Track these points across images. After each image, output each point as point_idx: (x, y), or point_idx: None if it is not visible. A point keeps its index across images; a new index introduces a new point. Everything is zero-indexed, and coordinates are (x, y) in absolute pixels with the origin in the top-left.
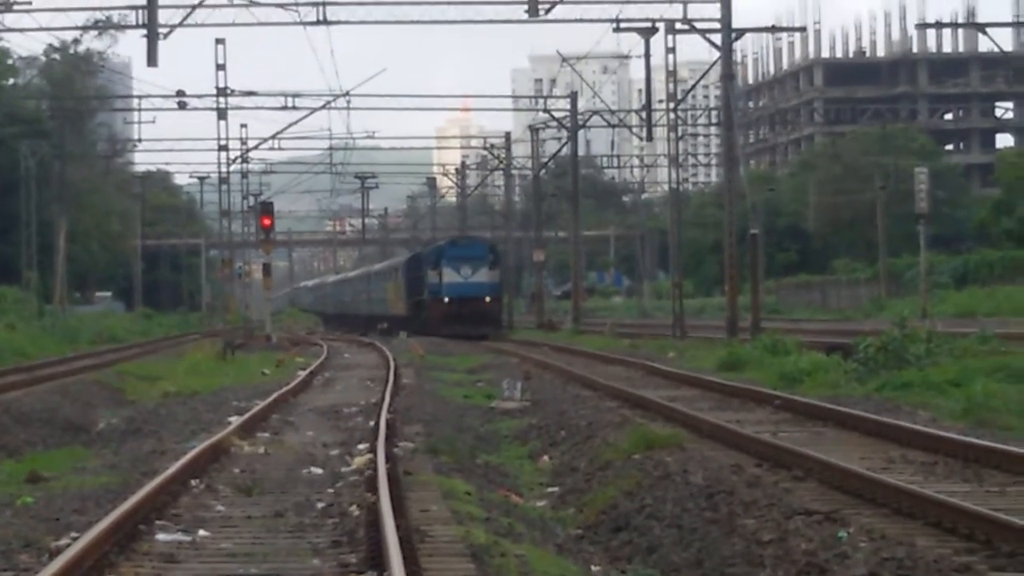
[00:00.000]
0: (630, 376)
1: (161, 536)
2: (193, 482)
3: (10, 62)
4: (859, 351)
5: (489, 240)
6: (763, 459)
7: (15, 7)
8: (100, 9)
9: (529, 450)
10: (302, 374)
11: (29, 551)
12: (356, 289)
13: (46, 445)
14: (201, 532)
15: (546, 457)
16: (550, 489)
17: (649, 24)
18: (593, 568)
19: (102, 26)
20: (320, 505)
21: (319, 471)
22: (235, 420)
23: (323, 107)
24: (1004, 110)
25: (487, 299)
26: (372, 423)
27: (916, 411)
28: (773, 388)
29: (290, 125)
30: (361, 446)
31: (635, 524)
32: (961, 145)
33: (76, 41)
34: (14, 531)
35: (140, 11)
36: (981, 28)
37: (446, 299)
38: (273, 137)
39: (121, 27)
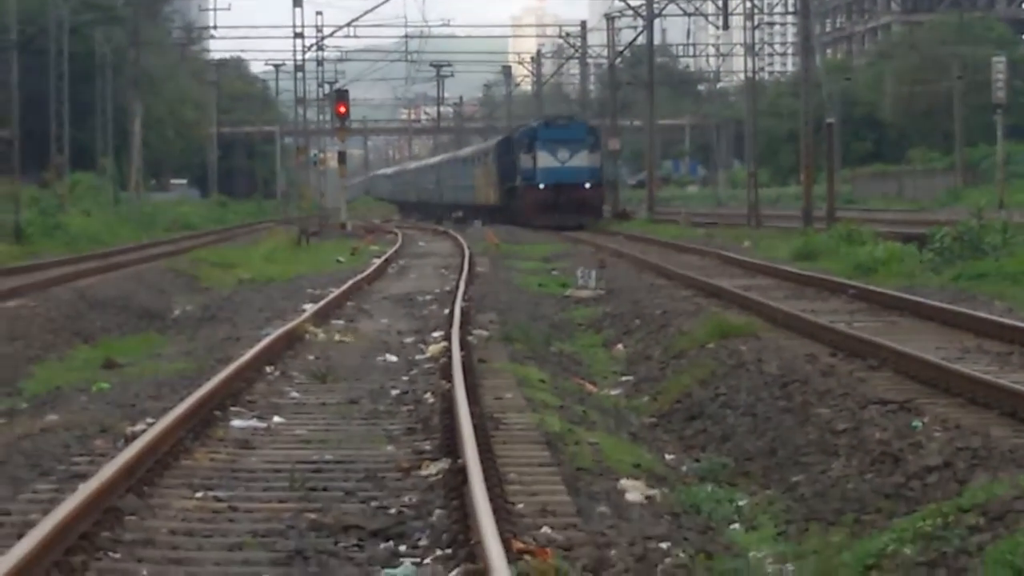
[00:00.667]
0: (704, 265)
1: (236, 422)
2: (268, 369)
3: None
4: (935, 241)
5: (587, 120)
6: (838, 348)
7: None
8: None
9: (603, 338)
10: (377, 262)
11: (105, 436)
12: (442, 176)
13: (122, 332)
14: (276, 419)
15: (620, 346)
16: (624, 378)
17: None
18: (667, 456)
19: None
20: (395, 392)
21: (394, 358)
22: (310, 307)
23: None
24: None
25: (587, 185)
26: (446, 311)
27: (992, 301)
28: (848, 278)
29: (366, 12)
30: (436, 334)
31: (709, 413)
32: None
33: None
34: (90, 416)
35: None
36: None
37: (541, 185)
38: (349, 24)
39: None
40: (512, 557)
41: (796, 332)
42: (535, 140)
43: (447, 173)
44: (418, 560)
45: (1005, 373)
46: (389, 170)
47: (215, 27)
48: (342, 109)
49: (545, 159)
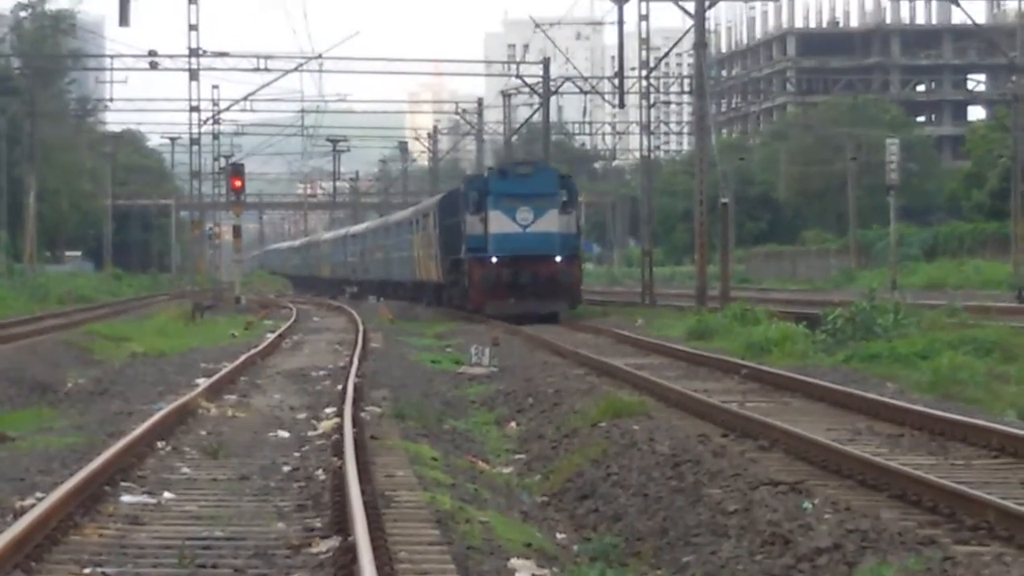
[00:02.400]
0: (598, 343)
1: (126, 498)
2: (159, 444)
3: None
4: (828, 322)
5: (556, 168)
6: (730, 428)
7: None
8: None
9: (496, 416)
10: (271, 337)
11: None
12: (368, 247)
13: (13, 405)
14: (166, 494)
15: (513, 423)
16: (517, 456)
17: None
18: (558, 535)
19: None
20: (286, 469)
21: (286, 434)
22: (203, 382)
23: (295, 69)
24: (976, 82)
25: (558, 258)
26: (339, 387)
27: (884, 383)
28: (741, 357)
29: (262, 87)
30: (328, 410)
31: (601, 492)
32: (933, 117)
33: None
34: None
35: None
36: (954, 0)
37: (494, 259)
38: (245, 99)
39: None
40: None
41: (688, 412)
42: (486, 195)
43: (376, 243)
44: None
45: (895, 455)
46: (296, 242)
47: (111, 99)
48: (237, 183)
49: (500, 222)
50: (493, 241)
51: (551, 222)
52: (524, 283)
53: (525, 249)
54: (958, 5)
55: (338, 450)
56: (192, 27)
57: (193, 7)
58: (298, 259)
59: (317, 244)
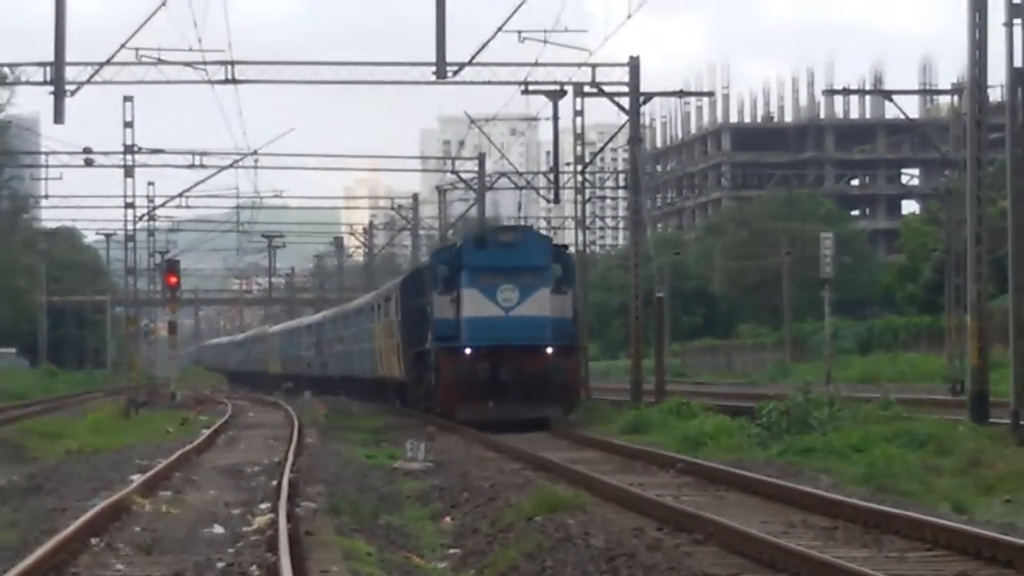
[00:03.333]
0: (533, 438)
1: None
2: (93, 541)
3: None
4: (762, 415)
5: (548, 236)
6: (665, 523)
7: None
8: (5, 65)
9: (431, 511)
10: (206, 432)
11: None
12: (324, 339)
13: None
14: None
15: (448, 518)
16: (452, 550)
17: (557, 87)
18: None
19: (6, 82)
20: (220, 565)
21: (220, 530)
22: (137, 478)
23: (231, 166)
24: (909, 176)
25: (548, 349)
26: (274, 482)
27: (818, 476)
28: (677, 451)
29: (197, 183)
30: (263, 505)
31: None
32: (867, 211)
33: None
34: None
35: (47, 67)
36: (887, 95)
37: (468, 350)
38: (180, 195)
39: (26, 83)
40: None
41: (624, 506)
42: (459, 270)
43: (335, 334)
44: None
45: (829, 548)
46: (226, 339)
47: (46, 196)
48: (172, 280)
49: (476, 303)
50: (467, 327)
51: (541, 304)
52: (506, 381)
53: (508, 338)
54: (891, 100)
55: (273, 546)
56: (127, 124)
57: (128, 104)
58: (241, 354)
59: (264, 337)
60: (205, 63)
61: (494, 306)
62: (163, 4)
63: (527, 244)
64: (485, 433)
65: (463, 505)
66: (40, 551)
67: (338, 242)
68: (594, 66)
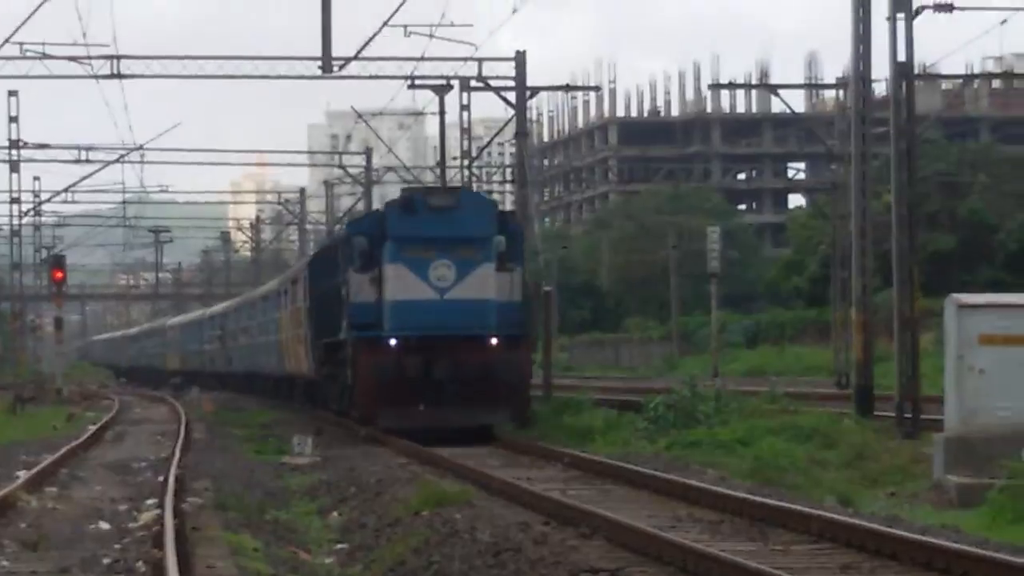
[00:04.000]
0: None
1: None
2: None
3: None
4: (649, 410)
5: (488, 198)
6: (551, 516)
7: None
8: None
9: (319, 506)
10: (92, 428)
11: None
12: (228, 331)
13: None
14: None
15: (335, 513)
16: (339, 545)
17: (444, 81)
18: None
19: None
20: (106, 561)
21: (107, 526)
22: (23, 474)
23: (117, 160)
24: (796, 171)
25: (494, 340)
26: (161, 478)
27: (705, 469)
28: (564, 446)
29: (84, 178)
30: (149, 501)
31: None
32: (753, 205)
33: None
34: None
35: None
36: (773, 90)
37: (392, 341)
38: (66, 190)
39: None
40: None
41: (511, 500)
42: (381, 241)
43: (239, 326)
44: None
45: (715, 542)
46: (119, 333)
47: None
48: (59, 275)
49: (404, 282)
50: (392, 313)
51: (484, 283)
52: (441, 380)
53: (442, 326)
54: (777, 95)
55: (159, 542)
56: (12, 119)
57: (13, 99)
58: (134, 349)
59: (162, 331)
60: (90, 57)
61: (425, 286)
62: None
63: (466, 209)
64: (411, 443)
65: (350, 500)
66: None
67: (225, 237)
68: (480, 60)
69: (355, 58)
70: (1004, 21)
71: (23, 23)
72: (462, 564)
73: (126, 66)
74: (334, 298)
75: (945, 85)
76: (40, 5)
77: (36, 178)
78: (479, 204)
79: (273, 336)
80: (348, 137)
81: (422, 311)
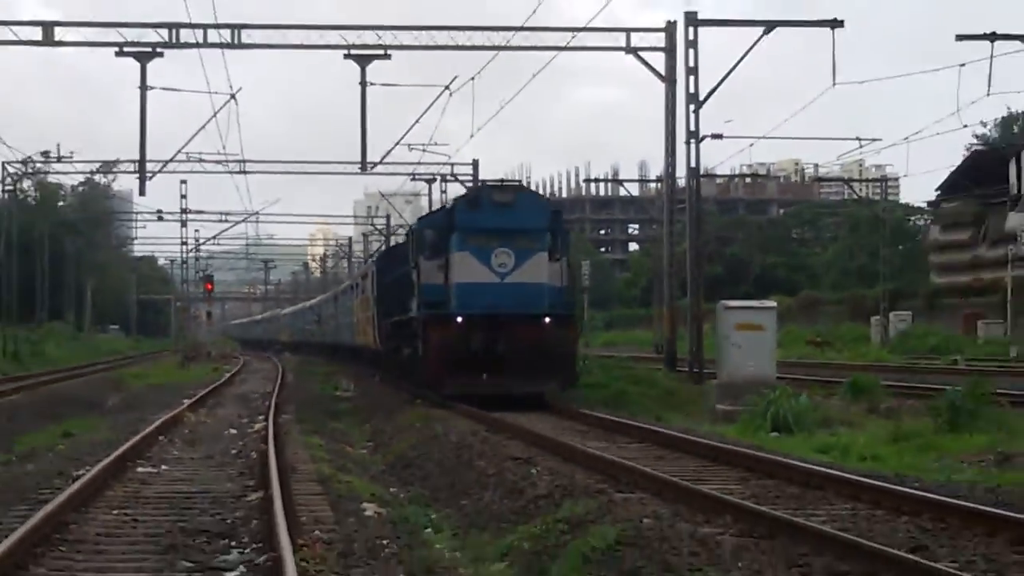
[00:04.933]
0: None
1: (139, 468)
2: (160, 437)
3: (61, 192)
4: None
5: (542, 196)
6: (491, 427)
7: (62, 159)
8: (107, 161)
9: (358, 419)
10: (227, 375)
11: (60, 477)
12: (323, 315)
13: (75, 415)
14: (163, 466)
15: (367, 424)
16: (368, 443)
17: (431, 176)
18: (391, 489)
19: (107, 171)
20: (233, 451)
21: (234, 431)
22: (186, 402)
23: (243, 220)
24: (633, 229)
25: (547, 319)
26: (266, 404)
27: (580, 400)
28: None
29: (223, 231)
30: (259, 417)
31: (416, 464)
32: (609, 249)
33: (93, 175)
34: (52, 465)
35: (136, 163)
36: (620, 182)
37: (459, 318)
38: (213, 238)
39: (123, 172)
40: (296, 547)
41: (471, 419)
42: (449, 233)
43: (326, 312)
44: (241, 550)
45: (585, 441)
46: (247, 319)
47: (136, 237)
48: (209, 286)
49: (470, 267)
50: (459, 293)
51: (538, 269)
52: (501, 353)
53: (502, 305)
54: (623, 185)
55: (264, 440)
56: (183, 196)
57: (184, 184)
58: (257, 329)
59: (279, 317)
60: (228, 160)
61: (488, 271)
62: (202, 128)
63: (524, 204)
64: (462, 405)
65: (375, 417)
66: (129, 443)
67: (305, 264)
68: (452, 164)
69: (380, 162)
70: (752, 144)
71: (188, 141)
72: (439, 454)
73: (249, 166)
74: (397, 286)
75: (719, 180)
76: (197, 132)
77: (196, 230)
78: (535, 201)
79: (348, 319)
80: (376, 207)
81: (485, 293)
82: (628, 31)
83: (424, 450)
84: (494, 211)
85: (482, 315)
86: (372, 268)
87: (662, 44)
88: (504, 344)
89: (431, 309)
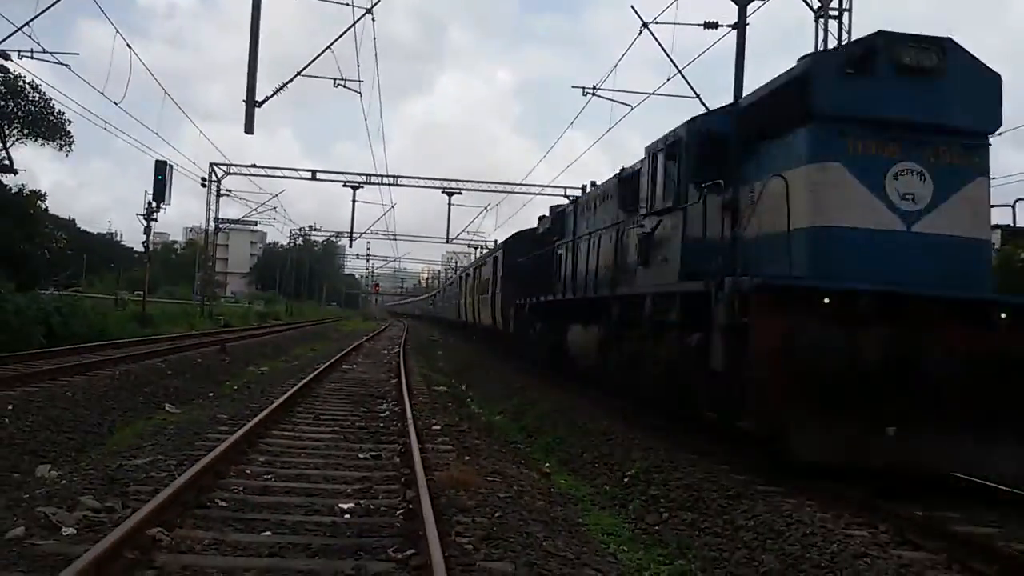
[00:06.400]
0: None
1: (344, 366)
2: (353, 353)
3: (314, 246)
4: None
5: (983, 65)
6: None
7: (312, 229)
8: (338, 233)
9: (444, 353)
10: (384, 327)
11: (307, 370)
12: (439, 296)
13: (318, 341)
14: (355, 365)
15: (441, 351)
16: (442, 363)
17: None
18: (452, 381)
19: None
20: (384, 361)
21: (385, 352)
22: (364, 337)
23: (395, 260)
24: None
25: (1002, 313)
26: (401, 339)
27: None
28: None
29: (391, 260)
30: (395, 348)
31: (468, 371)
32: None
33: (331, 238)
34: (303, 363)
35: (348, 236)
36: None
37: (826, 299)
38: (380, 265)
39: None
40: (421, 440)
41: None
42: (800, 121)
43: (441, 296)
44: (388, 402)
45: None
46: (403, 300)
47: (345, 265)
48: (376, 288)
49: (842, 196)
50: (818, 249)
51: (978, 211)
52: (924, 377)
53: (919, 278)
54: None
55: (397, 357)
56: (367, 256)
57: (368, 248)
58: (400, 308)
59: (413, 302)
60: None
61: (882, 206)
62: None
63: (955, 79)
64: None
65: (449, 349)
66: (338, 355)
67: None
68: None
69: (456, 238)
70: None
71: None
72: (478, 371)
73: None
74: (534, 264)
75: None
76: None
77: (368, 245)
78: (975, 74)
79: (455, 301)
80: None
81: (879, 251)
82: None
83: (483, 362)
84: (898, 86)
85: (878, 295)
86: (499, 251)
87: None
88: (935, 360)
89: (690, 278)
